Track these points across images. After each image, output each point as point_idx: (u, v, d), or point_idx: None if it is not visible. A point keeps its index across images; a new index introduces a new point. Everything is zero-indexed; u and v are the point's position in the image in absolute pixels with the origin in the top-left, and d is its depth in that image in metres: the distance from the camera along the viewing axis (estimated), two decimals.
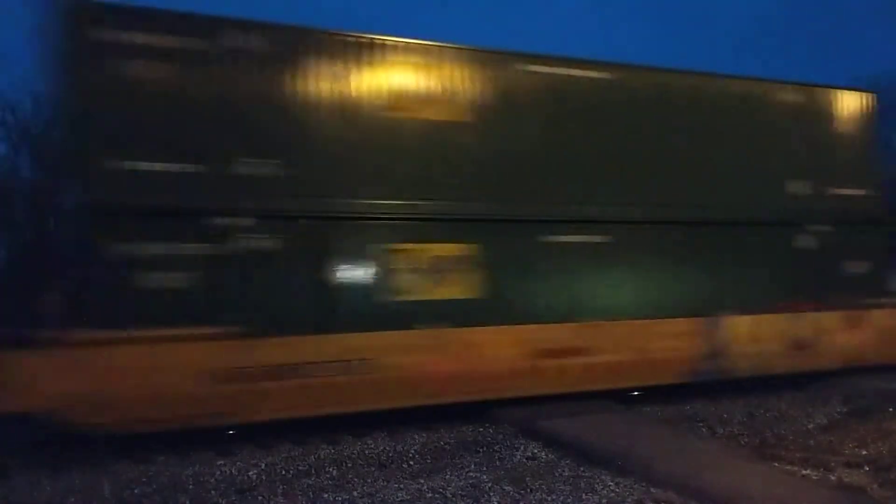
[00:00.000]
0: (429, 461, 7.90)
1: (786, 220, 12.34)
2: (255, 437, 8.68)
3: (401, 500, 6.56)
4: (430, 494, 6.66)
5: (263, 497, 6.78)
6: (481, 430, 9.25)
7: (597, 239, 10.90)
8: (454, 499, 6.54)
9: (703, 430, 9.11)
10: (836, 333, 12.02)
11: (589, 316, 10.51)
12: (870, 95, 13.72)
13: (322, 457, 8.17)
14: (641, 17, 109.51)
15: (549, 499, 6.45)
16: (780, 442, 8.22)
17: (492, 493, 6.63)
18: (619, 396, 10.46)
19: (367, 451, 8.34)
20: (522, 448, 8.30)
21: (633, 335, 10.60)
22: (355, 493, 6.75)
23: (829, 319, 12.02)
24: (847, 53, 74.98)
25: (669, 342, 10.79)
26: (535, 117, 10.81)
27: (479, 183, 10.34)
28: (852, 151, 13.26)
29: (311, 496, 6.74)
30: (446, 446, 8.53)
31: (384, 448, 8.48)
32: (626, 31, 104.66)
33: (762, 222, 12.12)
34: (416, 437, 8.99)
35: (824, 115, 13.20)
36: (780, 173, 12.52)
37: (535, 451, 8.17)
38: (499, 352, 9.74)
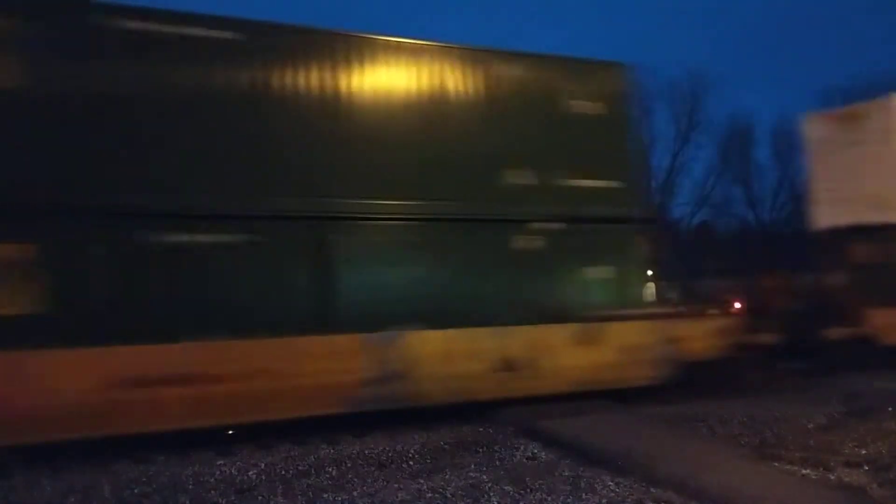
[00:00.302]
0: (428, 461, 7.89)
1: (501, 217, 10.35)
2: (254, 437, 8.67)
3: (401, 500, 6.55)
4: (429, 494, 6.65)
5: (263, 497, 6.77)
6: (481, 430, 9.24)
7: (226, 238, 8.90)
8: (454, 499, 6.53)
9: (704, 429, 9.09)
10: (563, 351, 10.01)
11: (206, 334, 8.31)
12: (622, 69, 11.48)
13: (322, 457, 8.16)
14: (647, 16, 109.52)
15: (549, 499, 6.44)
16: (779, 442, 8.21)
17: (492, 493, 6.62)
18: (619, 396, 10.44)
19: (366, 451, 8.33)
20: (522, 448, 8.29)
21: (268, 356, 8.55)
22: (355, 494, 6.75)
23: (552, 334, 10.01)
24: (853, 52, 75.17)
25: (322, 364, 8.74)
26: (127, 83, 8.69)
27: (33, 165, 8.12)
28: (597, 136, 11.05)
29: (311, 496, 6.73)
30: (446, 446, 8.51)
31: (384, 448, 8.47)
32: (632, 30, 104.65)
33: (466, 218, 10.14)
34: (416, 437, 8.98)
35: (558, 91, 10.95)
36: (495, 160, 10.37)
37: (535, 451, 8.16)
38: (61, 383, 7.64)
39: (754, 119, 56.81)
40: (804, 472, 6.99)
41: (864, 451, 7.62)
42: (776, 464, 7.30)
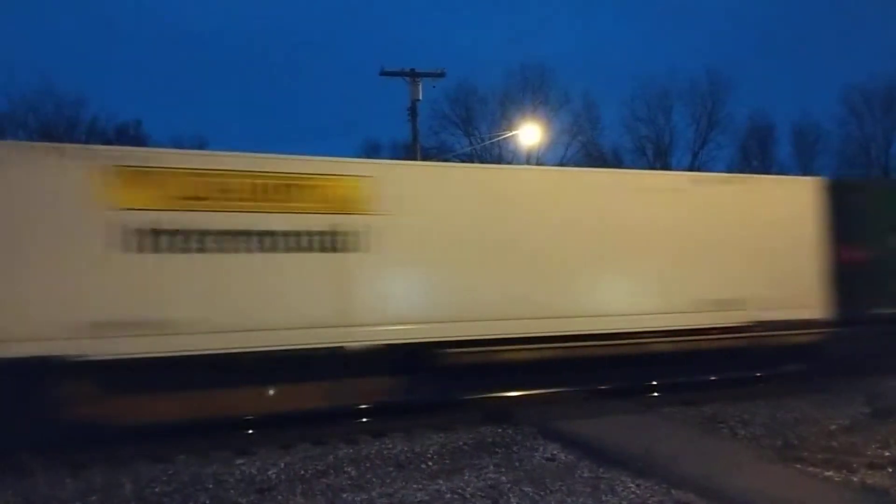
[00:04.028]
0: (447, 462, 7.88)
1: None
2: (274, 437, 8.70)
3: (419, 501, 6.55)
4: (448, 495, 6.64)
5: (283, 496, 6.80)
6: (500, 430, 9.21)
7: None
8: (473, 499, 6.52)
9: (725, 431, 9.02)
10: None
11: None
12: None
13: (340, 456, 8.18)
14: (666, 16, 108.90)
15: (569, 500, 6.42)
16: (802, 443, 8.13)
17: (511, 495, 6.60)
18: (640, 397, 10.39)
19: (385, 451, 8.34)
20: (541, 449, 8.26)
21: None
22: (374, 494, 6.75)
23: None
24: (874, 50, 74.37)
25: None
26: None
27: None
28: None
29: (330, 496, 6.75)
30: (465, 447, 8.51)
31: (402, 448, 8.47)
32: (651, 30, 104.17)
33: None
34: (435, 437, 8.97)
35: None
36: None
37: (555, 451, 8.13)
38: None
39: (775, 118, 56.28)
40: (827, 473, 6.91)
41: (887, 453, 7.53)
42: (798, 465, 7.23)
